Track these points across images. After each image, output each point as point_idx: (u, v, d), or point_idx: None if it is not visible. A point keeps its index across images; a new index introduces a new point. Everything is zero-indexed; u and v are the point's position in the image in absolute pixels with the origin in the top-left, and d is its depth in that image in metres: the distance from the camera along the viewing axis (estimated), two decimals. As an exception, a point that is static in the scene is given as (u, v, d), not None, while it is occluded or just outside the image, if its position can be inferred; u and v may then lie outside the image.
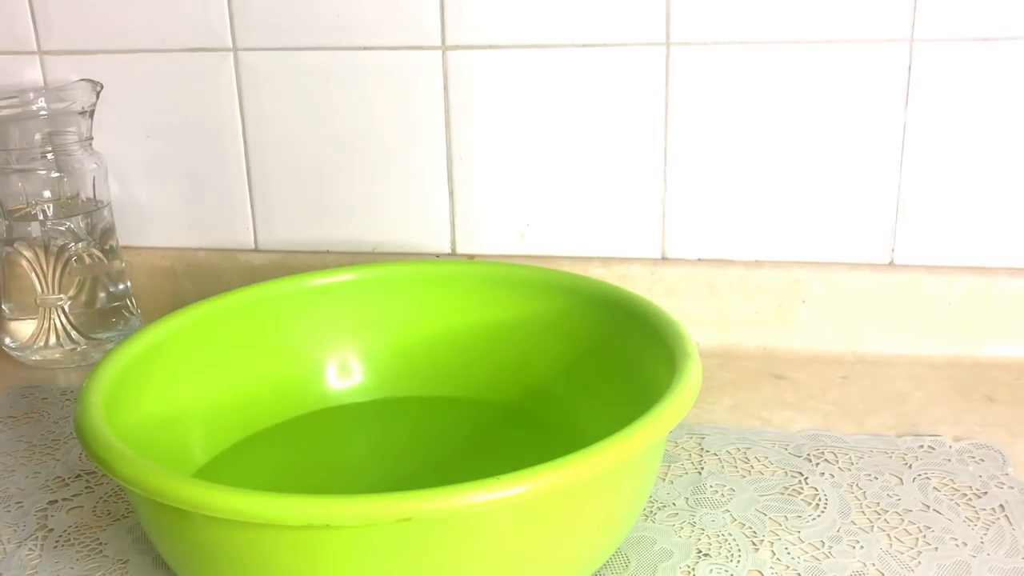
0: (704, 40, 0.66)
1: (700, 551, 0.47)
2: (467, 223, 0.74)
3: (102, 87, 0.71)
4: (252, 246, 0.77)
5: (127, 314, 0.73)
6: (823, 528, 0.49)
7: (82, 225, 0.70)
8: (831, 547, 0.47)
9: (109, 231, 0.72)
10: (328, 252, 0.76)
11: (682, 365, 0.46)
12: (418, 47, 0.70)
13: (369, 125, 0.73)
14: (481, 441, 0.57)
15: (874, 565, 0.46)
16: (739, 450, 0.56)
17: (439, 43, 0.70)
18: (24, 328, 0.71)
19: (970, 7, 0.63)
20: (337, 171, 0.74)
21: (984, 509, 0.50)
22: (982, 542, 0.47)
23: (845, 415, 0.60)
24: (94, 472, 0.56)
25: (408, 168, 0.73)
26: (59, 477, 0.56)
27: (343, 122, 0.73)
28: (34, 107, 0.68)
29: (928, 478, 0.53)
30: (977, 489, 0.52)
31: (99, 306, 0.72)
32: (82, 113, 0.70)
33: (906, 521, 0.49)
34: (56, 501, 0.54)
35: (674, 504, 0.51)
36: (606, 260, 0.72)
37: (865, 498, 0.51)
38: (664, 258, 0.72)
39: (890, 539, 0.48)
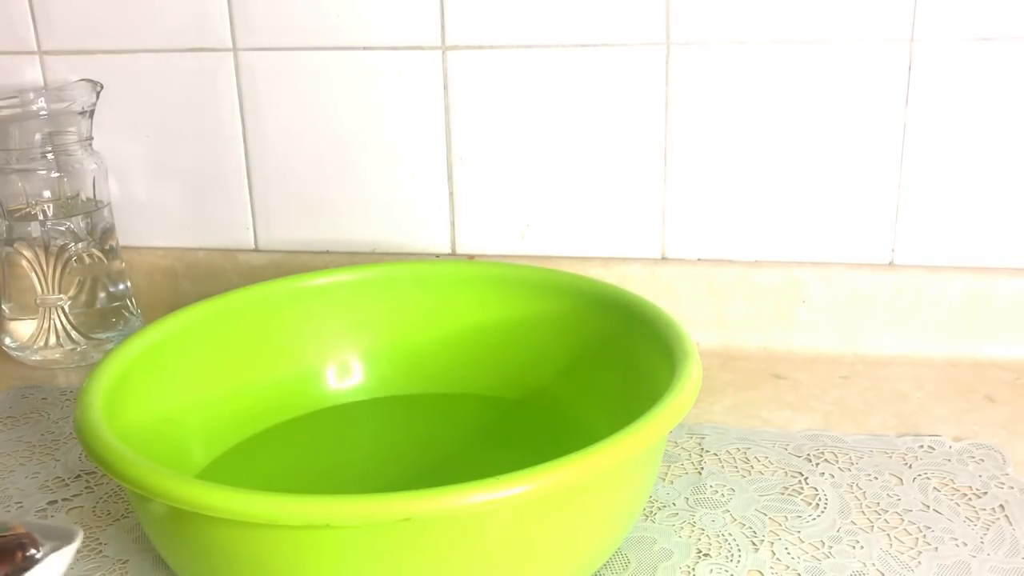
0: (704, 40, 0.66)
1: (700, 551, 0.47)
2: (467, 223, 0.74)
3: (102, 87, 0.71)
4: (252, 246, 0.77)
5: (127, 314, 0.73)
6: (823, 528, 0.49)
7: (82, 225, 0.70)
8: (831, 547, 0.47)
9: (109, 231, 0.72)
10: (328, 252, 0.76)
11: (682, 365, 0.46)
12: (418, 47, 0.70)
13: (369, 125, 0.73)
14: (481, 440, 0.57)
15: (874, 565, 0.46)
16: (739, 450, 0.56)
17: (439, 43, 0.70)
18: (24, 328, 0.70)
19: (970, 7, 0.63)
20: (337, 171, 0.74)
21: (984, 509, 0.50)
22: (982, 542, 0.47)
23: (845, 415, 0.60)
24: (94, 472, 0.56)
25: (408, 168, 0.73)
26: (59, 477, 0.56)
27: (343, 122, 0.73)
28: (34, 107, 0.68)
29: (928, 478, 0.53)
30: (977, 489, 0.52)
31: (99, 306, 0.71)
32: (82, 113, 0.70)
33: (906, 521, 0.49)
34: (56, 501, 0.53)
35: (674, 504, 0.51)
36: (606, 260, 0.72)
37: (865, 498, 0.51)
38: (664, 258, 0.72)
39: (890, 539, 0.48)
